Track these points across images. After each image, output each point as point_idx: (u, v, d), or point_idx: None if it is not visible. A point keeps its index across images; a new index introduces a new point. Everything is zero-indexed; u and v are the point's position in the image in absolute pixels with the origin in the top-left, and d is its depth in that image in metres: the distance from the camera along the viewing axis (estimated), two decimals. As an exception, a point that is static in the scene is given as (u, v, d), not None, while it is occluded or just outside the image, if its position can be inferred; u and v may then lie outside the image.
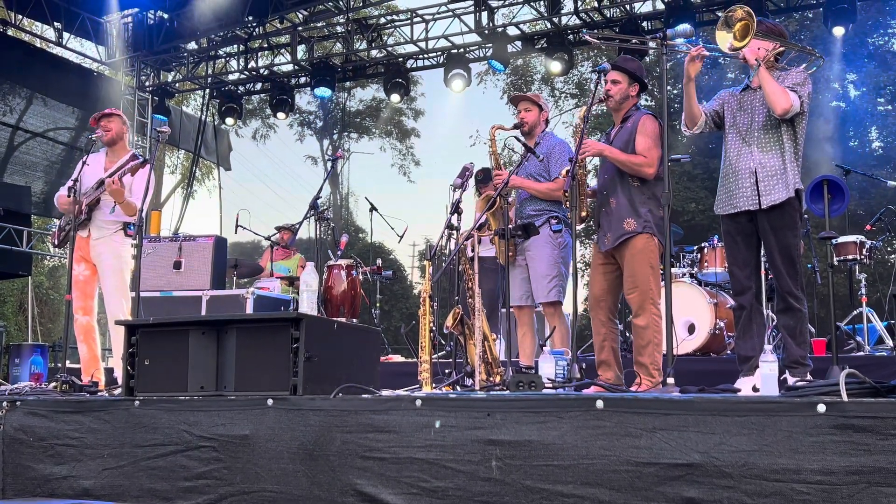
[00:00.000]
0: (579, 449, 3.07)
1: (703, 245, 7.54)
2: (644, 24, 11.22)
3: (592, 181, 5.62)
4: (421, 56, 12.87)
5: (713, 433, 2.88)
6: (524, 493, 3.11)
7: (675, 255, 7.67)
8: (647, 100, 22.99)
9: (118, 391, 4.75)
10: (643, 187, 4.94)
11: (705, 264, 7.40)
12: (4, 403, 4.33)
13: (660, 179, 4.92)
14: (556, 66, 11.52)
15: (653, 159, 4.89)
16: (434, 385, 4.66)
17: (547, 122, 5.85)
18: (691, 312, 7.02)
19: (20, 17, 12.48)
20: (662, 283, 4.81)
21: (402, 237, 8.84)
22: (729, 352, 7.00)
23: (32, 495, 4.10)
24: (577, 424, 3.10)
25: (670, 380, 3.85)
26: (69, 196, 5.54)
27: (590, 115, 4.92)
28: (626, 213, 4.92)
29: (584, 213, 5.03)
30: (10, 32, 12.44)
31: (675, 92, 18.93)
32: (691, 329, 7.03)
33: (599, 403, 3.08)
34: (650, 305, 4.84)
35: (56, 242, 5.99)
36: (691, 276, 7.44)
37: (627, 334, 6.70)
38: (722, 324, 6.97)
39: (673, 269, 6.77)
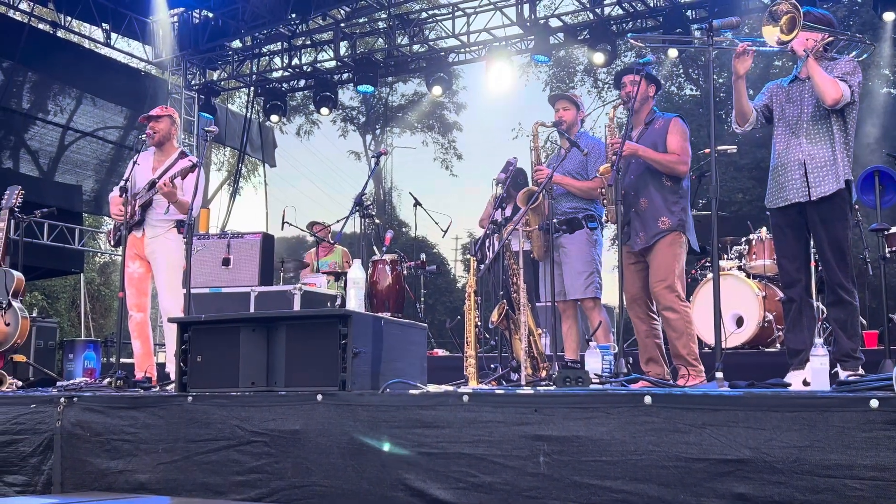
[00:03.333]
0: (627, 444, 3.06)
1: (751, 237, 7.45)
2: (689, 12, 11.08)
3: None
4: (462, 50, 12.87)
5: (763, 429, 2.85)
6: (572, 489, 3.12)
7: (721, 248, 7.58)
8: (692, 89, 22.73)
9: (171, 387, 4.84)
10: (674, 186, 5.09)
11: (753, 256, 7.31)
12: (62, 399, 4.43)
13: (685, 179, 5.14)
14: (599, 58, 11.42)
15: (686, 157, 5.09)
16: (480, 380, 4.68)
17: (582, 122, 5.88)
18: (739, 305, 6.93)
19: (69, 18, 12.73)
20: (695, 278, 4.78)
21: (445, 232, 8.84)
22: (778, 345, 6.90)
23: (90, 489, 4.20)
24: (625, 420, 3.09)
25: (719, 374, 3.83)
26: (121, 196, 5.64)
27: (632, 110, 5.07)
28: (660, 212, 5.04)
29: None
30: (59, 34, 12.70)
31: (720, 81, 18.66)
32: (739, 322, 6.94)
33: (648, 399, 3.07)
34: (676, 298, 4.96)
35: (112, 242, 6.11)
36: (739, 268, 7.36)
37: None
38: (771, 316, 6.87)
39: (720, 262, 6.69)
